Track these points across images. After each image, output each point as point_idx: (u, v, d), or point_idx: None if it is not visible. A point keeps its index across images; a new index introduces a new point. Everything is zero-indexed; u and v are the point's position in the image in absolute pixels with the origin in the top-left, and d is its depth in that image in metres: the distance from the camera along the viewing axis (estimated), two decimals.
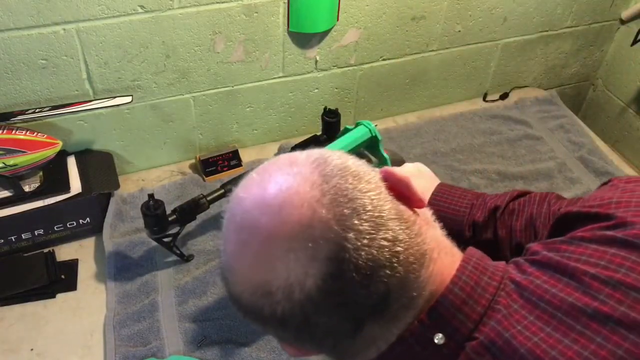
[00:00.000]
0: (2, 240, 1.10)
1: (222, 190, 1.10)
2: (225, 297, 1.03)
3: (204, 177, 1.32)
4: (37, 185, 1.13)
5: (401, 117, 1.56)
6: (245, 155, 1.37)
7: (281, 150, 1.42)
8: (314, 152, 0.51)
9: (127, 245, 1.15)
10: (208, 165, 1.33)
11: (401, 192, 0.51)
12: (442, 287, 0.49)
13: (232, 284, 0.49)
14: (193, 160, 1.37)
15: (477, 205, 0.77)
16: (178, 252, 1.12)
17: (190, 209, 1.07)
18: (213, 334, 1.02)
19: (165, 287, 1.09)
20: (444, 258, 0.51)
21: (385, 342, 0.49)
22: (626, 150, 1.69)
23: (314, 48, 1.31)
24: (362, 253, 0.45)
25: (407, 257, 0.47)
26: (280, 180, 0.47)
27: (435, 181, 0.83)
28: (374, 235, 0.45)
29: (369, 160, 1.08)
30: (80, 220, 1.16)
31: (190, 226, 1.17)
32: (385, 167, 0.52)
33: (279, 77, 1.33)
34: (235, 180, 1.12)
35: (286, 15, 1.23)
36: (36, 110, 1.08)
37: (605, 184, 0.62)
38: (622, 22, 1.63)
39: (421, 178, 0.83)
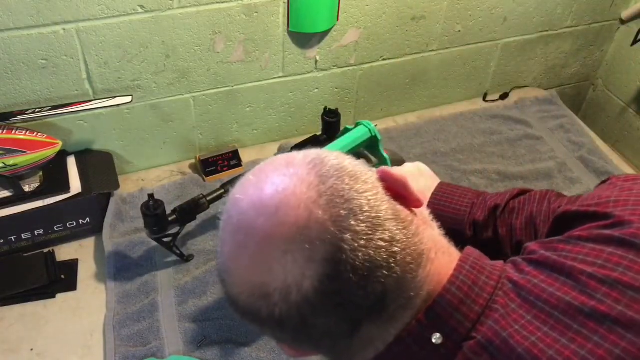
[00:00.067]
0: (2, 240, 1.10)
1: (222, 190, 1.11)
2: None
3: (204, 177, 1.32)
4: (37, 185, 1.13)
5: (401, 117, 1.56)
6: (245, 155, 1.37)
7: (281, 150, 1.42)
8: (311, 153, 0.50)
9: (127, 245, 1.15)
10: (208, 165, 1.33)
11: (398, 192, 0.51)
12: (439, 287, 0.49)
13: (229, 286, 0.49)
14: (193, 160, 1.37)
15: (478, 204, 0.76)
16: (178, 252, 1.12)
17: (190, 209, 1.07)
18: (213, 334, 1.02)
19: (165, 287, 1.09)
20: (442, 258, 0.51)
21: (383, 342, 0.49)
22: (626, 150, 1.69)
23: (314, 48, 1.31)
24: (359, 254, 0.45)
25: (405, 258, 0.47)
26: (276, 181, 0.47)
27: (436, 180, 0.83)
28: (371, 236, 0.45)
29: (369, 160, 1.08)
30: (80, 220, 1.16)
31: (190, 226, 1.17)
32: (383, 167, 0.52)
33: (279, 77, 1.33)
34: (235, 181, 1.11)
35: (286, 15, 1.23)
36: (36, 110, 1.08)
37: (604, 182, 0.61)
38: (622, 22, 1.63)
39: (422, 177, 0.83)
